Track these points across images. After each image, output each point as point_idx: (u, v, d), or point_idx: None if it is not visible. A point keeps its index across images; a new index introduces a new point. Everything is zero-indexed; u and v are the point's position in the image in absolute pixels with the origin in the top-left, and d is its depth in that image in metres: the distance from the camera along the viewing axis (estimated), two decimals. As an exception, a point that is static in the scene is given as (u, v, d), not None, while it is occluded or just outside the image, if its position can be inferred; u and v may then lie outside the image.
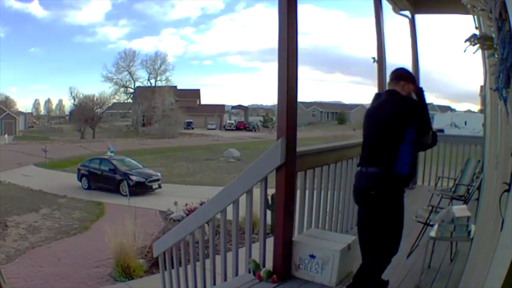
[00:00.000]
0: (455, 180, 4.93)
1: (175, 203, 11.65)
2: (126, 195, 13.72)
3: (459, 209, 3.12)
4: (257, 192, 3.07)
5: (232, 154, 27.25)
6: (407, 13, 5.53)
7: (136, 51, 54.11)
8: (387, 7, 5.25)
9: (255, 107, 71.66)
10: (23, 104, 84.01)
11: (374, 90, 5.19)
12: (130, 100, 52.83)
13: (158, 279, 4.86)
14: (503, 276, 1.38)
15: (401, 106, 2.57)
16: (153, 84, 52.07)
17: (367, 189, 2.61)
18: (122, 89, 52.11)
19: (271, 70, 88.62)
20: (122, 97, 52.92)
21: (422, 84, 6.10)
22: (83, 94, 49.62)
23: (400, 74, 2.73)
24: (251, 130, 52.81)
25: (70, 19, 71.28)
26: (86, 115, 44.11)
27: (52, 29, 69.87)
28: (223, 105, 60.76)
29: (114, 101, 51.79)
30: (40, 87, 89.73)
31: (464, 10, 1.79)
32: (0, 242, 10.50)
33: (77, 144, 36.39)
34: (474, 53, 1.67)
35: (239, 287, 2.89)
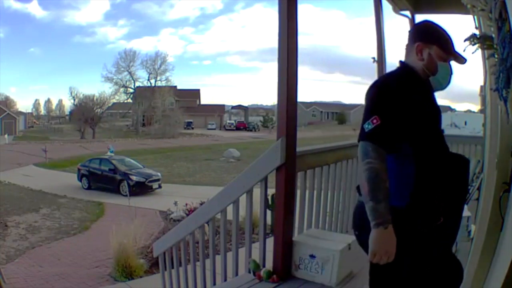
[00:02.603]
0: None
1: (175, 203, 11.67)
2: (126, 195, 13.75)
3: (459, 209, 3.11)
4: (257, 192, 3.07)
5: (232, 154, 27.25)
6: (407, 13, 5.52)
7: (136, 51, 54.07)
8: (387, 7, 5.24)
9: (255, 107, 71.65)
10: (23, 104, 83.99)
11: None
12: (130, 100, 52.78)
13: (158, 279, 4.86)
14: (504, 276, 1.38)
15: (366, 93, 1.62)
16: (153, 84, 52.05)
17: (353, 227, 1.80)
18: (122, 89, 52.09)
19: (271, 70, 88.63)
20: (122, 97, 52.89)
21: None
22: (83, 94, 49.61)
23: (418, 30, 1.71)
24: (251, 130, 52.80)
25: (69, 19, 71.13)
26: (86, 115, 44.09)
27: (52, 29, 69.90)
28: (223, 105, 60.77)
29: (114, 101, 51.77)
30: (40, 87, 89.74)
31: (464, 10, 1.79)
32: (0, 242, 10.50)
33: (77, 144, 36.39)
34: (473, 53, 1.67)
35: (239, 287, 2.89)
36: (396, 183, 1.51)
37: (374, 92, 1.58)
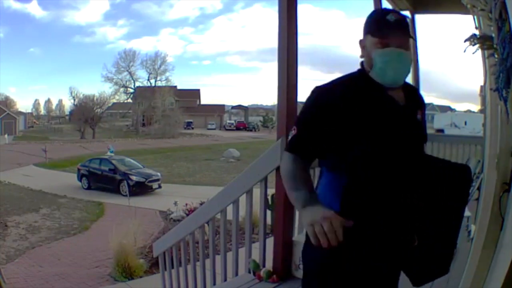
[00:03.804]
0: (455, 180, 4.92)
1: (175, 203, 11.68)
2: (126, 195, 13.76)
3: (459, 209, 3.11)
4: (257, 192, 3.07)
5: (232, 154, 27.25)
6: (407, 13, 5.52)
7: (136, 51, 54.07)
8: (387, 7, 5.25)
9: (255, 107, 71.56)
10: (23, 104, 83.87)
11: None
12: (130, 100, 52.81)
13: (158, 279, 4.87)
14: (504, 276, 1.38)
15: None
16: (153, 84, 52.06)
17: None
18: (122, 89, 52.12)
19: (271, 70, 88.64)
20: (122, 97, 52.93)
21: (422, 84, 6.14)
22: (83, 94, 49.65)
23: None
24: (251, 130, 52.79)
25: (68, 19, 71.17)
26: (86, 115, 44.11)
27: (51, 29, 69.85)
28: (223, 105, 60.77)
29: (114, 101, 51.80)
30: (40, 87, 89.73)
31: (464, 10, 1.79)
32: (0, 242, 10.51)
33: (77, 144, 36.39)
34: (474, 53, 1.66)
35: (239, 287, 2.90)
36: (329, 196, 1.39)
37: (307, 99, 1.43)
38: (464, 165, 1.47)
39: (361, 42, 1.44)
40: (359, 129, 1.34)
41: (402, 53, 1.36)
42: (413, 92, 1.51)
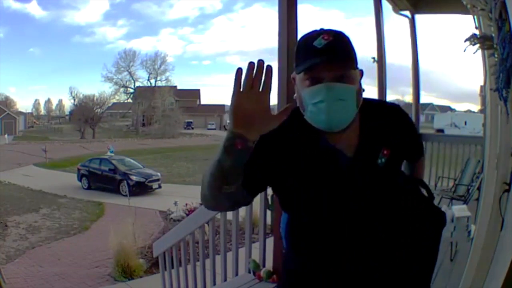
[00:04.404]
0: (455, 180, 4.94)
1: (175, 203, 11.67)
2: (126, 195, 13.75)
3: (459, 209, 3.12)
4: (257, 192, 3.07)
5: (232, 154, 27.19)
6: (407, 13, 5.52)
7: (136, 51, 54.04)
8: (387, 7, 5.26)
9: (255, 107, 71.40)
10: (23, 104, 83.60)
11: (374, 90, 5.20)
12: (130, 100, 52.80)
13: (158, 279, 4.86)
14: (503, 276, 1.38)
15: None
16: (153, 84, 52.05)
17: None
18: (122, 89, 52.10)
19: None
20: (122, 97, 52.90)
21: (422, 84, 6.14)
22: (83, 94, 49.55)
23: None
24: (251, 130, 52.70)
25: (68, 20, 70.87)
26: (86, 115, 44.11)
27: (51, 29, 69.55)
28: (223, 105, 60.69)
29: (114, 101, 51.79)
30: (40, 87, 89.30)
31: (464, 10, 1.79)
32: (0, 242, 10.51)
33: (77, 144, 36.38)
34: (474, 53, 1.66)
35: (239, 287, 2.90)
36: (284, 234, 1.33)
37: None
38: (439, 212, 1.28)
39: (293, 78, 1.15)
40: (289, 189, 1.15)
41: (335, 88, 1.03)
42: (383, 121, 1.16)
